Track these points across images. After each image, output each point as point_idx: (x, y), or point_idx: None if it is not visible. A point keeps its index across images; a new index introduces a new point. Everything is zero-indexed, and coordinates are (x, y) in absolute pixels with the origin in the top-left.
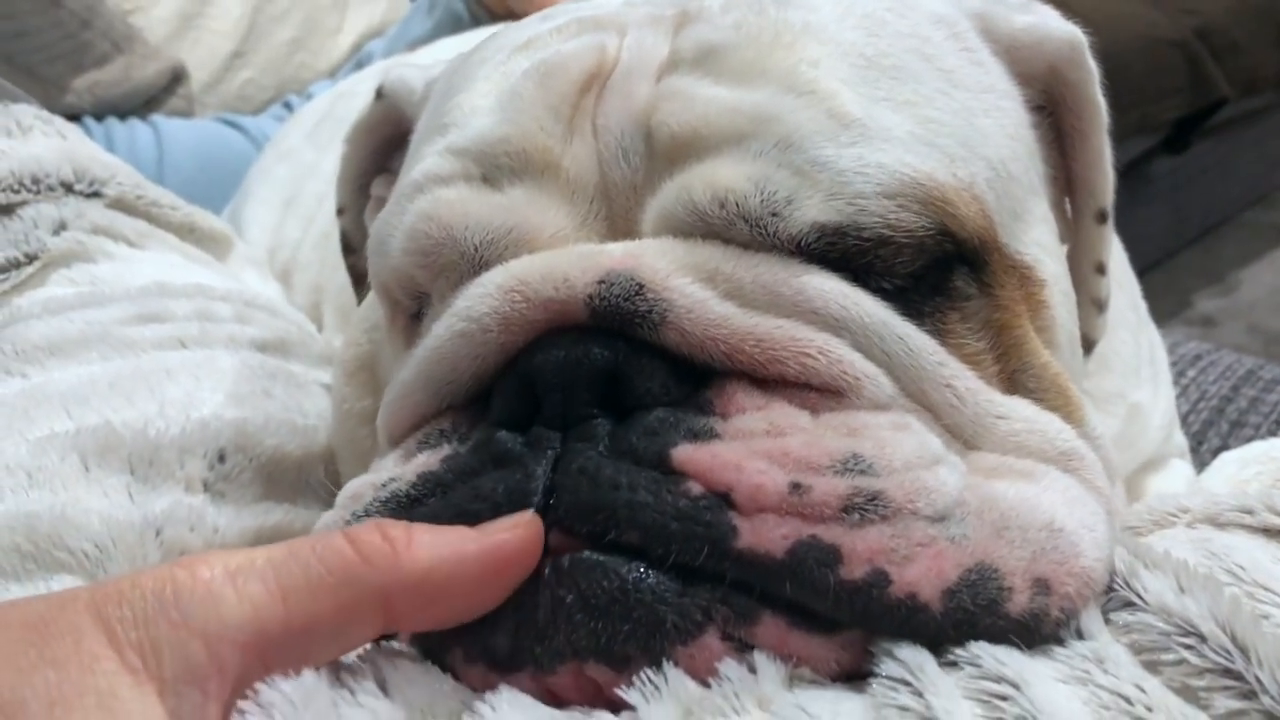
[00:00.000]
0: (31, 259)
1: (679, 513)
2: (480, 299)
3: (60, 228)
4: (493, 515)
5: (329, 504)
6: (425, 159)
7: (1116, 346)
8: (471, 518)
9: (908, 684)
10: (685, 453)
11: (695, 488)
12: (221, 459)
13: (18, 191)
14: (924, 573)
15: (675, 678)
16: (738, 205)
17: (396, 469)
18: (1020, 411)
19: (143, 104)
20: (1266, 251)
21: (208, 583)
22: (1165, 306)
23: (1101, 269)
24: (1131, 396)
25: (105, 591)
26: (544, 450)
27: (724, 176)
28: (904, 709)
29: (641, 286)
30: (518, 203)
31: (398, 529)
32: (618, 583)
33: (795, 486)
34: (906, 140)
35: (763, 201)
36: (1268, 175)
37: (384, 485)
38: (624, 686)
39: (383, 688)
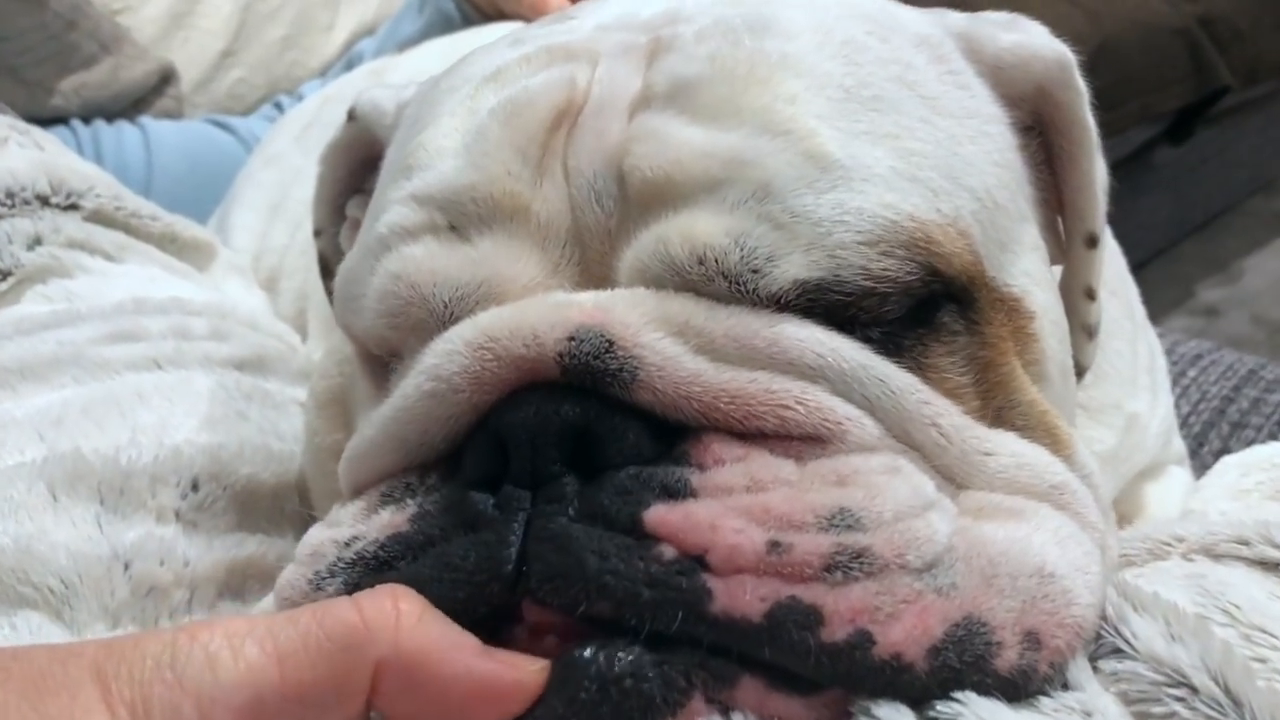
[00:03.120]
0: (5, 276)
1: (651, 579)
2: (449, 357)
3: (35, 243)
4: (466, 584)
5: (302, 536)
6: (390, 208)
7: (1112, 357)
8: (444, 586)
9: None
10: (658, 515)
11: (668, 551)
12: (195, 488)
13: None
14: (909, 631)
15: None
16: (716, 262)
17: (359, 525)
18: (1008, 446)
19: (131, 105)
20: (1270, 240)
21: (205, 645)
22: (1168, 296)
23: (1091, 294)
24: (1129, 406)
25: (110, 649)
26: (514, 513)
27: (701, 230)
28: None
29: (611, 344)
30: (487, 254)
31: (413, 603)
32: (596, 684)
33: (774, 545)
34: (888, 177)
35: (742, 258)
36: (1270, 163)
37: (348, 543)
38: None
39: None
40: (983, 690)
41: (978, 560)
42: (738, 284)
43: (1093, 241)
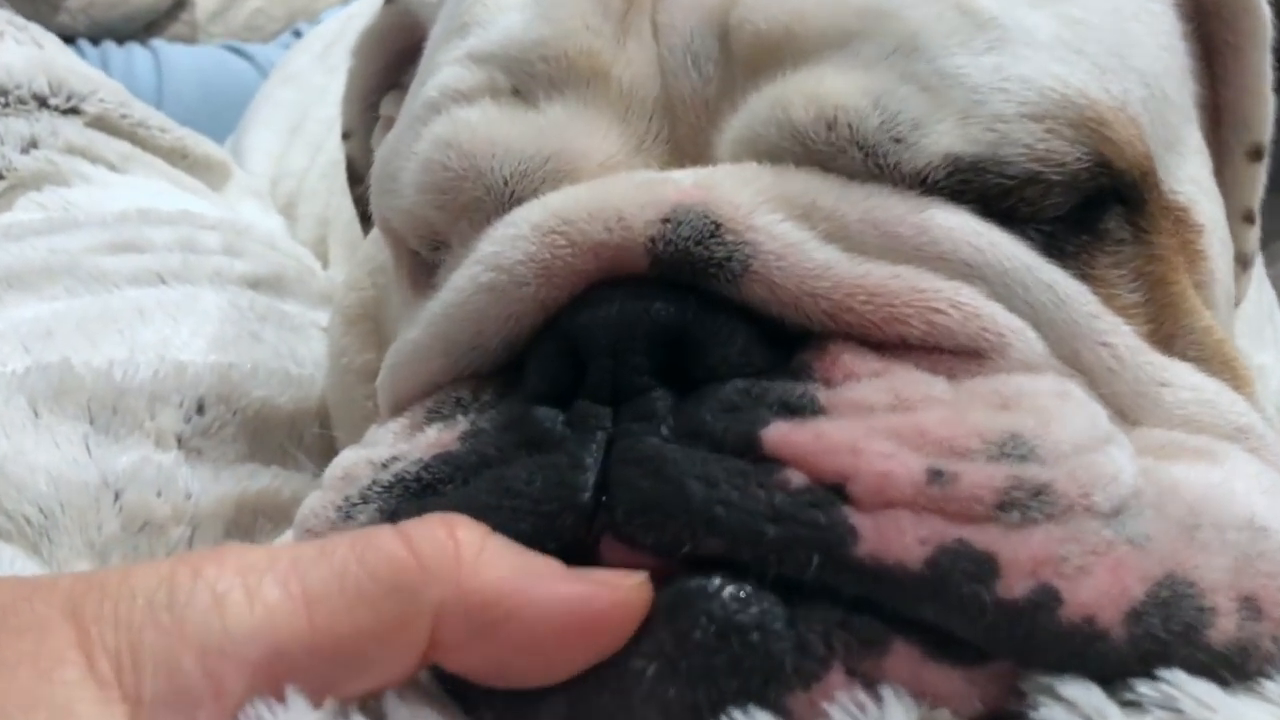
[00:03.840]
0: None
1: (776, 512)
2: (512, 243)
3: (30, 145)
4: (531, 513)
5: (324, 468)
6: (441, 69)
7: (1242, 304)
8: (501, 515)
9: None
10: (780, 433)
11: (796, 478)
12: (200, 410)
13: None
14: (1103, 589)
15: None
16: (850, 127)
17: (401, 444)
18: (1186, 378)
19: (143, 29)
20: None
21: (212, 582)
22: None
23: (1250, 217)
24: (1256, 358)
25: (91, 583)
26: (591, 431)
27: (831, 89)
28: None
29: (718, 226)
30: (557, 123)
31: (472, 531)
32: (714, 626)
33: (935, 475)
34: (1052, 45)
35: (883, 124)
36: None
37: (386, 464)
38: None
39: None
40: (1193, 668)
41: (1173, 508)
42: (876, 156)
43: (1258, 154)
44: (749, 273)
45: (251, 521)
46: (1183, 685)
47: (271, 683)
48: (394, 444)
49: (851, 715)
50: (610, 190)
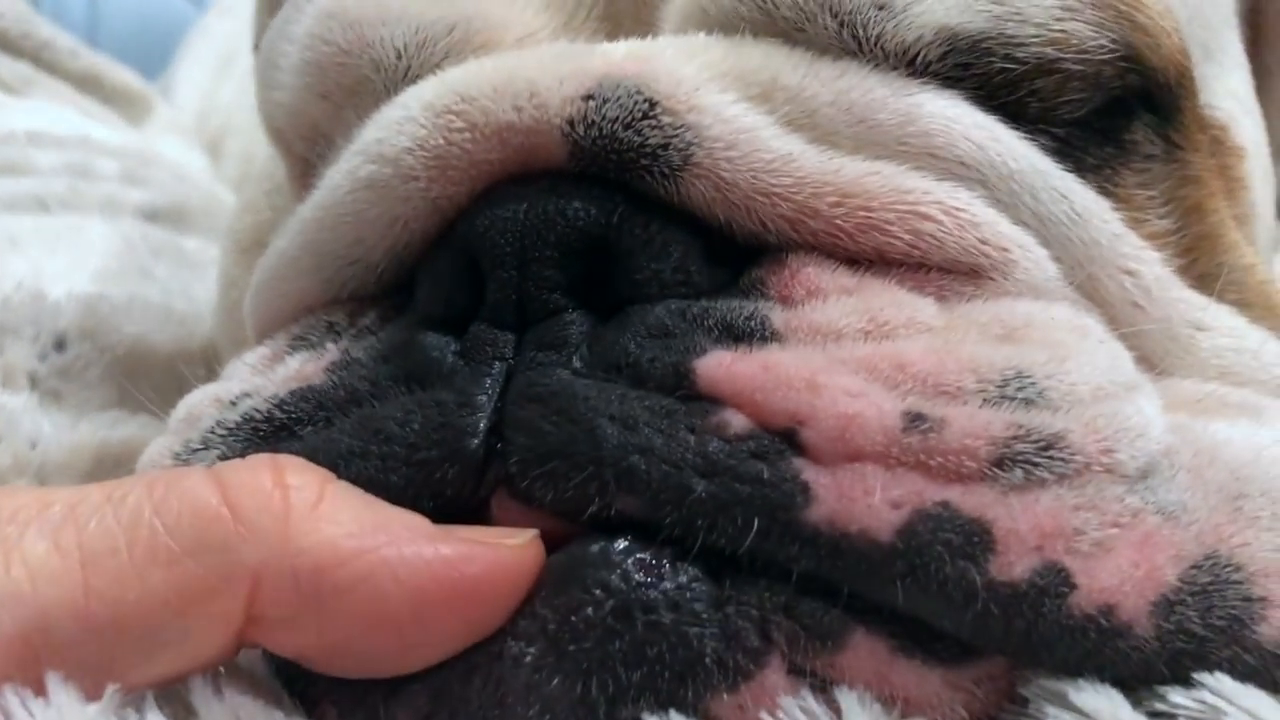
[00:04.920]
0: None
1: (708, 463)
2: (399, 128)
3: None
4: (404, 462)
5: None
6: None
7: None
8: (368, 465)
9: None
10: (718, 364)
11: (736, 421)
12: (60, 346)
13: None
14: (1126, 570)
15: None
16: None
17: (256, 378)
18: (1225, 322)
19: None
20: None
21: None
22: None
23: None
24: None
25: None
26: (488, 362)
27: None
28: None
29: (653, 105)
30: None
31: (304, 475)
32: (612, 602)
33: (915, 419)
34: None
35: None
36: None
37: (234, 402)
38: None
39: None
40: (1237, 673)
41: (1213, 472)
42: (854, 26)
43: None
44: (690, 165)
45: (111, 475)
46: (1228, 694)
47: (33, 664)
48: (248, 378)
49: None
50: (523, 63)
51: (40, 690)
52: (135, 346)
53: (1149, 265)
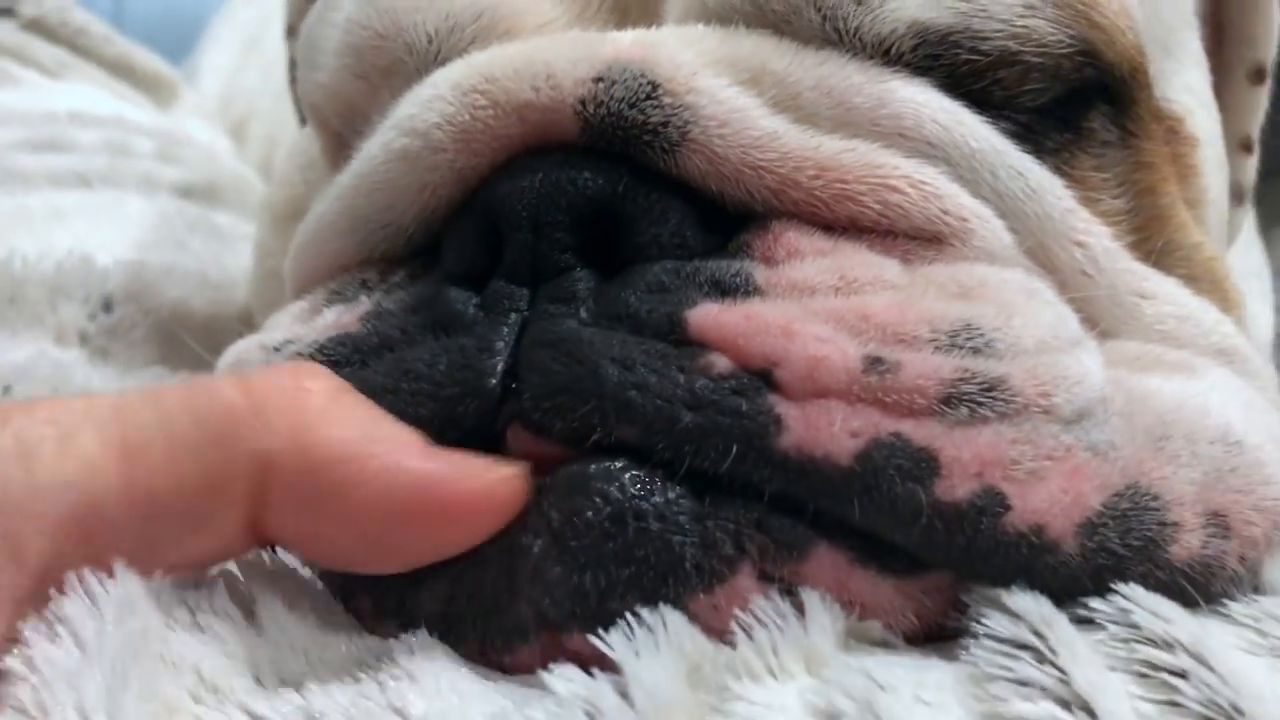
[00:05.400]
0: None
1: (695, 398)
2: (429, 104)
3: None
4: (431, 398)
5: None
6: None
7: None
8: (399, 400)
9: (1027, 648)
10: (707, 314)
11: (720, 362)
12: (107, 308)
13: None
14: (1055, 496)
15: (677, 622)
16: None
17: (297, 327)
18: (1169, 292)
19: None
20: None
21: (17, 433)
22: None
23: (1249, 145)
24: (1248, 305)
25: None
26: (505, 313)
27: None
28: (1024, 683)
29: (655, 87)
30: None
31: (323, 380)
32: (608, 509)
33: (874, 362)
34: None
35: None
36: None
37: (278, 348)
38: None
39: (246, 611)
40: (1151, 586)
41: (1142, 417)
42: (835, 20)
43: (1260, 75)
44: (687, 140)
45: None
46: (1140, 600)
47: (84, 542)
48: (290, 326)
49: (770, 619)
50: (540, 48)
51: (96, 562)
52: (176, 309)
53: (1098, 238)
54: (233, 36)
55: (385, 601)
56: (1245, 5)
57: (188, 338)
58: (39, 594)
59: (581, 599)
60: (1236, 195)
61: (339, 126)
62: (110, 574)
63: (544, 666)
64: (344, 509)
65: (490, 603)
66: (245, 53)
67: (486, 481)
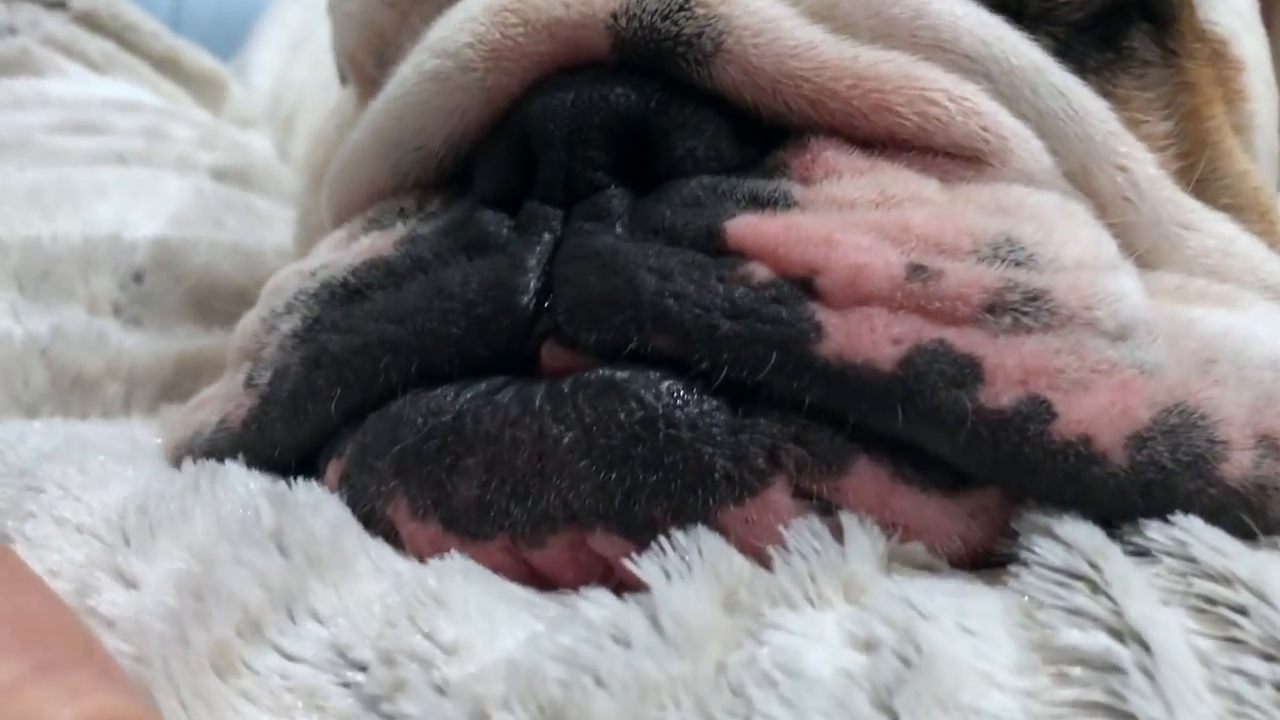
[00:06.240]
0: None
1: (734, 306)
2: (460, 26)
3: (7, 32)
4: (463, 315)
5: None
6: None
7: None
8: (432, 318)
9: (1081, 578)
10: (746, 224)
11: (760, 271)
12: (138, 279)
13: None
14: (1103, 407)
15: (714, 546)
16: None
17: (333, 254)
18: (1214, 225)
19: None
20: None
21: None
22: None
23: None
24: None
25: None
26: (538, 233)
27: None
28: (1076, 613)
29: None
30: None
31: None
32: (641, 412)
33: (917, 270)
34: None
35: None
36: None
37: (314, 273)
38: (635, 557)
39: (279, 545)
40: (1204, 506)
41: (1186, 342)
42: None
43: None
44: (721, 51)
45: (191, 381)
46: (1197, 532)
47: None
48: (327, 253)
49: (807, 543)
50: None
51: None
52: (205, 276)
53: (1141, 164)
54: (281, 34)
55: (422, 497)
56: None
57: (217, 309)
58: None
59: (607, 497)
60: None
61: (371, 67)
62: None
63: (570, 567)
64: None
65: (522, 488)
66: (294, 49)
67: None
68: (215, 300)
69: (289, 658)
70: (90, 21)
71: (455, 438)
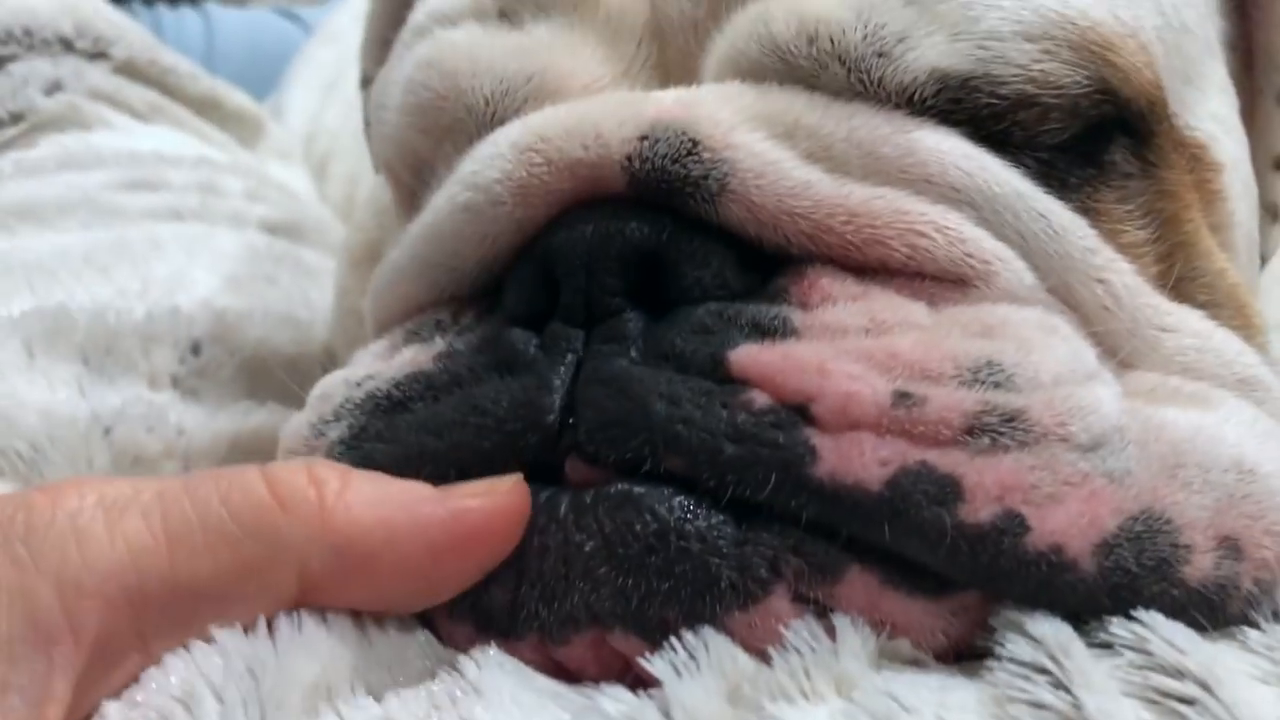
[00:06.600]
0: (17, 119)
1: (737, 431)
2: (490, 162)
3: (54, 88)
4: (496, 431)
5: None
6: None
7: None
8: (467, 432)
9: (1045, 672)
10: (747, 354)
11: (760, 398)
12: (195, 351)
13: (5, 43)
14: (1073, 518)
15: (719, 645)
16: (833, 41)
17: (377, 364)
18: (1190, 324)
19: None
20: None
21: (72, 515)
22: None
23: None
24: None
25: None
26: (562, 354)
27: (814, 3)
28: (1039, 706)
29: (696, 144)
30: (541, 42)
31: (331, 472)
32: (655, 525)
33: (902, 397)
34: None
35: (866, 37)
36: None
37: (360, 383)
38: (649, 655)
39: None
40: (1167, 605)
41: (1156, 446)
42: (859, 72)
43: None
44: (726, 191)
45: (246, 460)
46: (1157, 628)
47: (131, 619)
48: (371, 364)
49: (804, 642)
50: (590, 109)
51: (143, 641)
52: (259, 349)
53: (1119, 274)
54: (314, 76)
55: (459, 602)
56: (1273, 31)
57: (269, 379)
58: (92, 667)
59: (625, 600)
60: (1270, 213)
61: (409, 179)
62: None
63: (593, 663)
64: (389, 568)
65: (550, 590)
66: (326, 92)
67: (499, 497)
68: (267, 371)
69: None
70: (132, 70)
71: None
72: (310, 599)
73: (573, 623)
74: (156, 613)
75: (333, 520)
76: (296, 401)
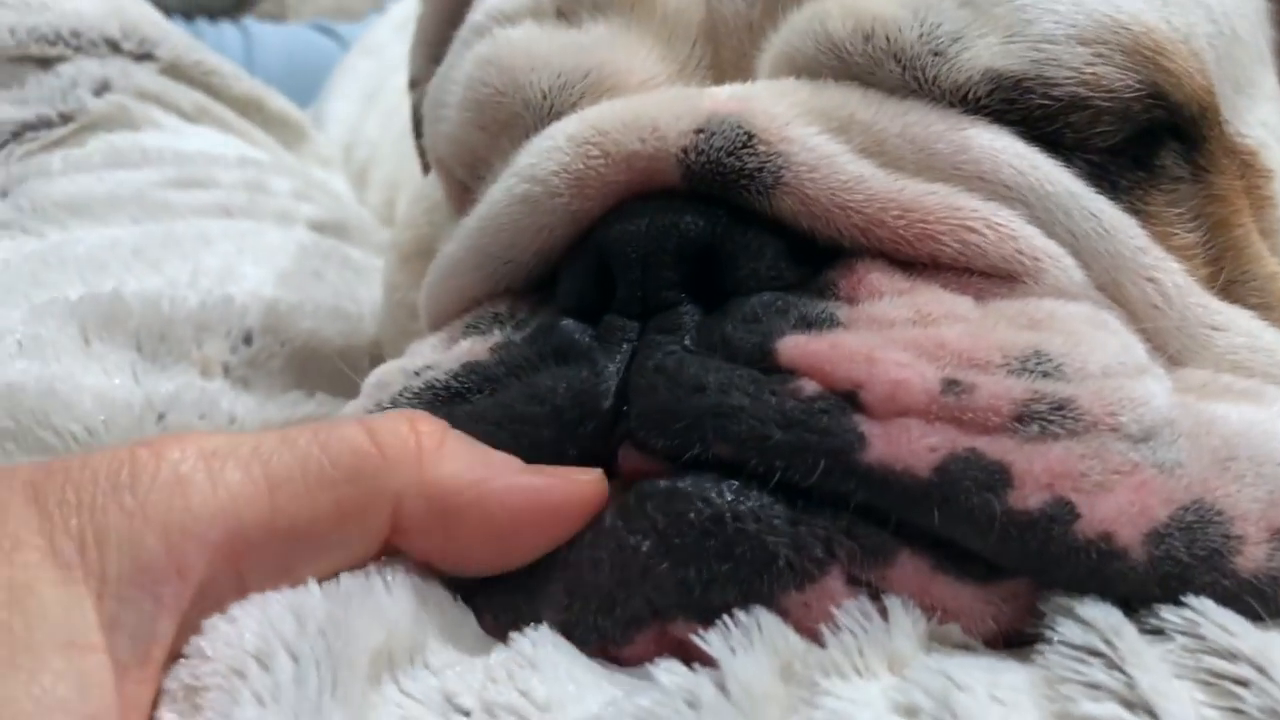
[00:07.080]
0: (67, 120)
1: (786, 418)
2: (547, 154)
3: (103, 88)
4: (551, 420)
5: None
6: None
7: None
8: (525, 422)
9: (1098, 654)
10: (796, 344)
11: (808, 386)
12: (247, 341)
13: (54, 44)
14: (1123, 507)
15: (771, 625)
16: (889, 39)
17: (435, 355)
18: (1241, 323)
19: (234, 6)
20: None
21: (175, 464)
22: None
23: None
24: None
25: (51, 469)
26: (617, 344)
27: (870, 2)
28: (1093, 686)
29: (751, 137)
30: (599, 40)
31: (432, 424)
32: (709, 510)
33: (951, 385)
34: None
35: (921, 36)
36: None
37: (418, 373)
38: (704, 633)
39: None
40: (1218, 595)
41: (1208, 439)
42: (914, 69)
43: None
44: (780, 184)
45: None
46: (1208, 613)
47: (232, 562)
48: (429, 355)
49: (856, 621)
50: (646, 103)
51: (241, 583)
52: (309, 340)
53: (1169, 274)
54: (354, 87)
55: (506, 616)
56: None
57: (318, 371)
58: (195, 608)
59: (686, 591)
60: None
61: (462, 175)
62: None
63: (654, 655)
64: (471, 525)
65: (609, 600)
66: (366, 102)
67: (580, 484)
68: (317, 364)
69: (405, 694)
70: (178, 72)
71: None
72: (392, 542)
73: (636, 623)
74: (256, 556)
75: (430, 469)
76: (345, 394)
